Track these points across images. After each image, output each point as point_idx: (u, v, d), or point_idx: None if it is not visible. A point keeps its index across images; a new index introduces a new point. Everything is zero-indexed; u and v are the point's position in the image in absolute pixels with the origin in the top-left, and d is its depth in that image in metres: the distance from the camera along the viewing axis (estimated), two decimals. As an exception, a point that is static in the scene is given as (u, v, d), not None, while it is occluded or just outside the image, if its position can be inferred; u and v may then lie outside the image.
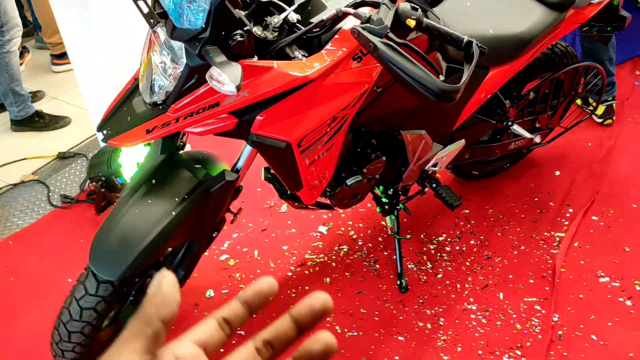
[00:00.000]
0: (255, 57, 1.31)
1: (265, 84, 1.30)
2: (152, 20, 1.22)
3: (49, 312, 1.63)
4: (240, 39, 1.23)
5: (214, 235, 1.66)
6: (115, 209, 1.48)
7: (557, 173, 2.56)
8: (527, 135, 2.13)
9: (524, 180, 2.54)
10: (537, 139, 2.29)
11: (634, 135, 2.76)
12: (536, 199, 2.43)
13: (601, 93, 2.47)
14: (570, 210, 2.37)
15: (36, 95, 3.29)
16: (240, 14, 1.24)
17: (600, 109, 2.76)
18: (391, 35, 1.26)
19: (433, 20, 1.56)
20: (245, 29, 1.24)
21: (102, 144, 2.59)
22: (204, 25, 1.18)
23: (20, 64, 3.58)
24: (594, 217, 2.32)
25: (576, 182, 2.51)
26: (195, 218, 1.52)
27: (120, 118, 1.40)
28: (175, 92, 1.30)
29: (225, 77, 1.12)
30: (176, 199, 1.46)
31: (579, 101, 2.90)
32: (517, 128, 2.09)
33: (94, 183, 2.36)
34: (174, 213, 1.44)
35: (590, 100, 2.77)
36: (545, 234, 2.26)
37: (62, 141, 2.95)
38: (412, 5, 1.32)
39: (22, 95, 2.95)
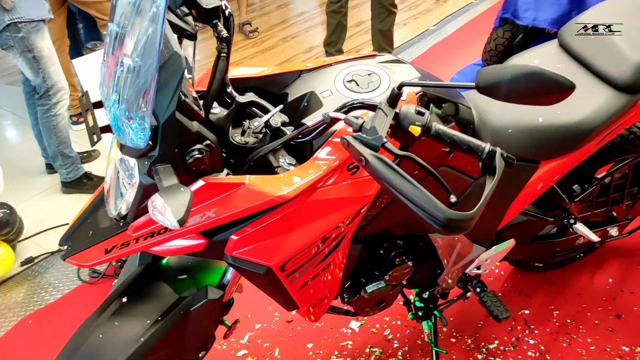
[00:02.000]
0: (224, 171, 1.11)
1: (234, 202, 1.08)
2: (94, 136, 1.05)
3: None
4: (198, 155, 1.03)
5: (200, 355, 1.45)
6: (82, 327, 1.31)
7: (644, 267, 2.14)
8: (594, 238, 1.77)
9: (600, 275, 2.14)
10: (613, 232, 1.91)
11: None
12: (615, 300, 2.03)
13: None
14: (658, 317, 1.95)
15: (91, 155, 3.30)
16: (198, 125, 1.04)
17: None
18: (389, 145, 1.01)
19: (463, 113, 1.30)
20: (205, 143, 1.04)
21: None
22: (149, 144, 0.99)
23: (82, 122, 3.63)
24: (688, 330, 1.89)
25: (667, 280, 2.08)
26: (174, 340, 1.32)
27: (82, 232, 1.24)
28: (133, 209, 1.12)
29: (168, 211, 0.92)
30: (147, 321, 1.27)
31: None
32: (581, 228, 1.73)
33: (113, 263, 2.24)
34: (142, 339, 1.24)
35: None
36: (624, 348, 1.86)
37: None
38: (418, 108, 1.06)
39: (71, 157, 2.95)
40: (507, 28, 2.75)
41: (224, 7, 1.17)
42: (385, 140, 1.01)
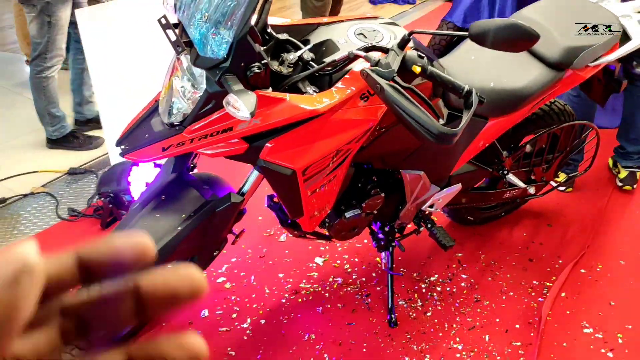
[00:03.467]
0: (270, 89, 1.41)
1: (276, 114, 1.39)
2: (178, 48, 1.33)
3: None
4: (257, 70, 1.34)
5: (215, 253, 1.73)
6: (125, 219, 1.56)
7: (550, 225, 2.64)
8: (521, 185, 2.22)
9: (517, 230, 2.62)
10: (532, 190, 2.37)
11: (626, 198, 2.85)
12: (528, 248, 2.51)
13: (594, 153, 2.57)
14: (560, 261, 2.43)
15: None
16: (260, 48, 1.35)
17: (562, 177, 2.80)
18: (397, 79, 1.37)
19: (438, 69, 1.68)
20: (262, 62, 1.35)
21: (113, 162, 2.69)
22: (225, 56, 1.28)
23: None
24: (582, 270, 2.38)
25: (568, 235, 2.59)
26: (199, 235, 1.60)
27: (138, 135, 1.50)
28: (193, 114, 1.40)
29: (241, 104, 1.22)
30: (182, 216, 1.54)
31: (610, 162, 3.01)
32: (512, 177, 2.18)
33: (102, 198, 2.44)
34: (179, 228, 1.52)
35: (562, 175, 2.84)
36: (534, 282, 2.33)
37: (74, 158, 3.05)
38: (419, 53, 1.43)
39: (58, 116, 3.09)
40: (450, 25, 3.23)
41: None
42: (395, 73, 1.37)
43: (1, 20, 4.97)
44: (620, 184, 2.91)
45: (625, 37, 2.00)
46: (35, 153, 3.11)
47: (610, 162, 3.07)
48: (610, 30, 1.95)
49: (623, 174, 2.91)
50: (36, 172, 2.93)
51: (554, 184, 2.58)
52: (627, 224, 2.68)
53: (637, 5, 2.09)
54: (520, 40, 1.31)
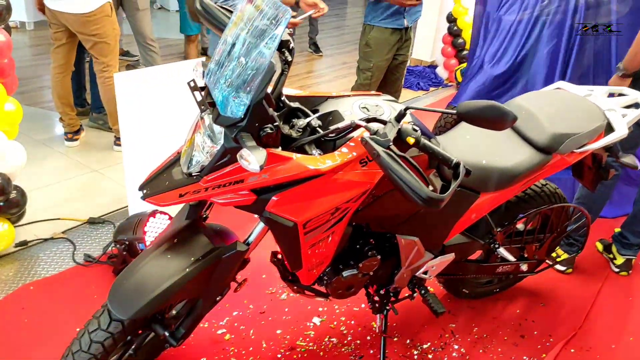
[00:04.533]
0: (279, 148, 1.60)
1: (283, 170, 1.56)
2: (203, 107, 1.53)
3: (53, 353, 1.80)
4: (269, 131, 1.52)
5: (217, 298, 1.86)
6: (139, 258, 1.71)
7: (543, 304, 2.72)
8: (512, 259, 2.34)
9: (511, 306, 2.70)
10: (524, 267, 2.49)
11: (621, 284, 2.94)
12: (520, 325, 2.58)
13: (584, 238, 2.69)
14: (551, 340, 2.50)
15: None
16: (273, 112, 1.54)
17: (563, 256, 2.95)
18: (393, 147, 1.54)
19: (434, 145, 1.85)
20: (274, 124, 1.54)
21: (132, 212, 2.86)
22: (242, 116, 1.48)
23: (76, 140, 4.02)
24: (572, 350, 2.44)
25: (560, 315, 2.66)
26: (205, 278, 1.73)
27: (159, 181, 1.68)
28: (210, 166, 1.58)
29: (252, 158, 1.40)
30: (192, 259, 1.69)
31: (600, 247, 3.13)
32: (503, 251, 2.31)
33: (117, 246, 2.60)
34: (187, 269, 1.66)
35: (560, 252, 2.98)
36: (525, 357, 2.39)
37: (95, 208, 3.24)
38: (414, 127, 1.61)
39: None
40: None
41: (290, 41, 1.71)
42: (391, 142, 1.54)
43: (42, 81, 5.36)
44: (616, 269, 3.01)
45: (609, 129, 2.18)
46: (59, 202, 3.31)
47: (599, 246, 3.17)
48: (595, 121, 2.13)
49: (620, 260, 3.01)
50: (58, 219, 3.11)
51: (550, 262, 2.70)
52: (621, 308, 2.75)
53: (622, 101, 2.28)
54: (499, 119, 1.49)
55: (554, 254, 2.96)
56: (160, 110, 2.72)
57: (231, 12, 1.64)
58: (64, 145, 4.06)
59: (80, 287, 2.60)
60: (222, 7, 1.69)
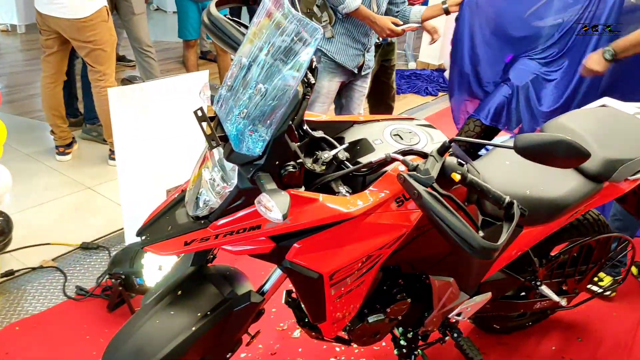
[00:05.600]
0: (302, 188, 1.35)
1: (308, 214, 1.32)
2: (213, 142, 1.28)
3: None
4: (292, 170, 1.28)
5: (227, 356, 1.62)
6: (138, 314, 1.47)
7: (580, 340, 2.49)
8: (555, 298, 2.10)
9: (545, 342, 2.46)
10: (563, 302, 2.25)
11: (661, 311, 2.71)
12: (557, 364, 2.35)
13: (629, 265, 2.46)
14: (593, 381, 2.27)
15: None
16: (296, 147, 1.30)
17: (607, 280, 2.73)
18: (436, 185, 1.30)
19: (474, 175, 1.61)
20: (298, 161, 1.30)
21: (128, 240, 2.62)
22: (261, 154, 1.23)
23: (68, 154, 3.76)
24: (617, 393, 2.21)
25: (600, 352, 2.43)
26: (215, 335, 1.49)
27: (161, 226, 1.43)
28: (221, 209, 1.33)
29: (274, 205, 1.15)
30: (198, 314, 1.44)
31: (635, 270, 2.91)
32: (544, 289, 2.07)
33: (112, 279, 2.35)
34: (193, 329, 1.42)
35: (602, 276, 2.75)
36: (566, 404, 2.16)
37: (88, 231, 2.99)
38: (459, 161, 1.37)
39: None
40: (478, 123, 3.21)
41: (313, 61, 1.46)
42: (434, 180, 1.30)
43: (33, 88, 5.08)
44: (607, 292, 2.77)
45: (664, 151, 1.94)
46: (49, 224, 3.05)
47: (635, 270, 2.94)
48: (650, 144, 1.90)
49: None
50: (48, 244, 2.86)
51: (598, 290, 2.47)
52: (663, 342, 2.52)
53: (676, 118, 2.05)
54: (569, 157, 1.25)
55: (595, 278, 2.73)
56: (159, 127, 2.48)
57: (246, 26, 1.39)
58: (55, 160, 3.79)
59: (72, 325, 2.34)
60: (234, 20, 1.44)
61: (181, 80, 2.44)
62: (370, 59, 3.10)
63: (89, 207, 3.28)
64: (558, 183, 1.83)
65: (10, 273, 2.62)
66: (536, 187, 1.79)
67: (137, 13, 4.11)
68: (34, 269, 2.68)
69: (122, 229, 2.91)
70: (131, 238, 2.62)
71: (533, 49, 3.17)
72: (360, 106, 3.27)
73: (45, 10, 3.34)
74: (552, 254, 2.14)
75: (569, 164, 1.28)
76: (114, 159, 3.67)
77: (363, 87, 3.22)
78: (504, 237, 1.28)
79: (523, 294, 2.20)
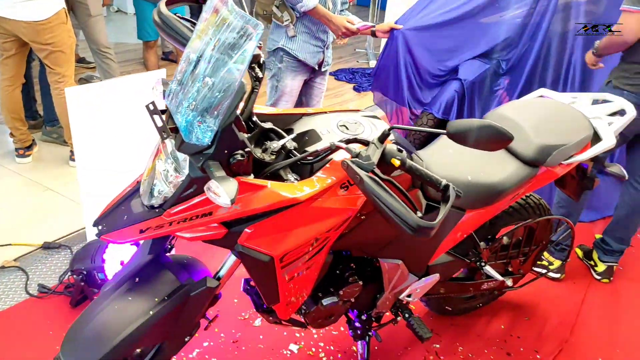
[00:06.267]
0: (252, 176, 1.43)
1: (257, 200, 1.40)
2: (164, 134, 1.35)
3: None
4: (240, 158, 1.36)
5: (186, 339, 1.68)
6: (96, 301, 1.53)
7: (528, 319, 2.63)
8: (499, 277, 2.23)
9: (495, 322, 2.60)
10: (509, 282, 2.38)
11: (603, 291, 2.87)
12: (506, 342, 2.48)
13: (570, 247, 2.61)
14: (538, 356, 2.40)
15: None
16: (244, 137, 1.38)
17: (556, 263, 2.91)
18: (377, 170, 1.39)
19: (416, 163, 1.71)
20: (246, 150, 1.38)
21: (90, 238, 2.65)
22: (209, 143, 1.31)
23: (28, 156, 3.75)
24: (560, 366, 2.35)
25: (546, 329, 2.57)
26: (172, 319, 1.56)
27: (117, 216, 1.49)
28: (174, 198, 1.40)
29: (222, 191, 1.23)
30: (156, 299, 1.51)
31: (579, 253, 3.07)
32: (489, 269, 2.19)
33: (74, 275, 2.39)
34: (151, 312, 1.48)
35: (546, 255, 2.92)
36: (513, 378, 2.28)
37: (50, 231, 3.01)
38: (398, 147, 1.47)
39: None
40: (430, 117, 3.34)
41: (261, 56, 1.54)
42: (375, 165, 1.40)
43: (-10, 92, 5.03)
44: (598, 277, 2.94)
45: (596, 138, 2.09)
46: (11, 225, 3.06)
47: (579, 252, 3.11)
48: (582, 131, 2.04)
49: (601, 267, 2.95)
50: (9, 244, 2.87)
51: (542, 271, 2.62)
52: (605, 316, 2.68)
53: (608, 109, 2.20)
54: (495, 140, 1.36)
55: (544, 262, 2.88)
56: (118, 126, 2.52)
57: (194, 23, 1.47)
58: (15, 162, 3.78)
59: (35, 321, 2.38)
60: (183, 19, 1.51)
61: (138, 78, 2.49)
62: (329, 55, 3.19)
63: (50, 208, 3.29)
64: (497, 169, 1.95)
65: (-29, 274, 2.63)
66: (476, 173, 1.91)
67: (94, 15, 4.12)
68: (-5, 268, 2.70)
69: (83, 228, 2.93)
70: (92, 236, 2.65)
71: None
72: (319, 103, 3.36)
73: (2, 13, 3.33)
74: (497, 237, 2.27)
75: (496, 146, 1.39)
76: (74, 159, 3.68)
77: (322, 84, 3.31)
78: (440, 217, 1.38)
79: (470, 275, 2.32)
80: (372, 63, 7.01)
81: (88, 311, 1.51)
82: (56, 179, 3.60)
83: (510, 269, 2.40)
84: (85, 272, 2.34)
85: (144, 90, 2.48)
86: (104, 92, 2.42)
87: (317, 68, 3.10)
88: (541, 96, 2.33)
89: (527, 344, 2.47)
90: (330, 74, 6.51)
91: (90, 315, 1.49)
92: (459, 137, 1.38)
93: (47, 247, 2.87)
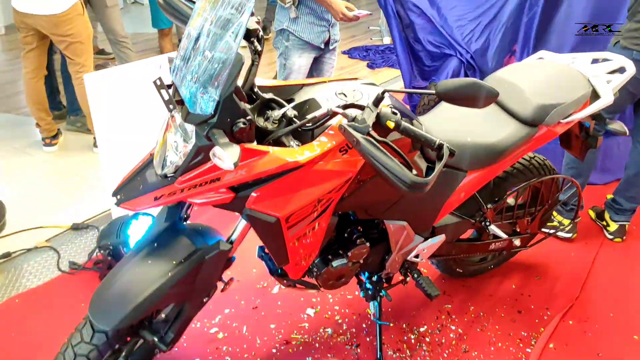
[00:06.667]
0: (255, 143, 1.53)
1: (260, 165, 1.50)
2: (170, 106, 1.46)
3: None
4: (242, 125, 1.46)
5: (204, 300, 1.80)
6: (118, 266, 1.65)
7: (539, 278, 2.69)
8: (504, 235, 2.30)
9: (506, 282, 2.67)
10: (517, 242, 2.45)
11: (616, 250, 2.91)
12: (516, 300, 2.55)
13: (578, 205, 2.66)
14: (549, 313, 2.47)
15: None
16: (245, 105, 1.47)
17: (567, 223, 2.95)
18: (372, 133, 1.48)
19: (416, 127, 1.79)
20: (247, 118, 1.47)
21: (114, 217, 2.80)
22: (213, 112, 1.41)
23: (55, 145, 3.92)
24: (570, 322, 2.42)
25: (556, 287, 2.64)
26: (189, 281, 1.67)
27: (133, 186, 1.61)
28: (184, 166, 1.51)
29: (225, 155, 1.33)
30: (173, 262, 1.63)
31: (592, 214, 3.12)
32: (494, 228, 2.26)
33: (102, 251, 2.53)
34: (169, 274, 1.60)
35: (556, 215, 2.97)
36: (523, 333, 2.36)
37: (78, 213, 3.17)
38: (393, 110, 1.55)
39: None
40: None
41: (259, 29, 1.64)
42: (370, 128, 1.48)
43: (14, 87, 5.25)
44: (610, 236, 2.99)
45: (595, 96, 2.13)
46: (41, 210, 3.23)
47: (592, 214, 3.15)
48: (580, 89, 2.08)
49: (613, 227, 2.99)
50: (41, 227, 3.04)
51: (551, 232, 2.68)
52: (616, 275, 2.72)
53: (607, 67, 2.23)
54: (480, 97, 1.43)
55: (555, 222, 2.93)
56: (136, 109, 2.64)
57: (194, 2, 1.56)
58: (43, 151, 3.97)
59: (67, 296, 2.53)
60: (190, 1, 1.61)
61: (153, 61, 2.61)
62: (336, 32, 3.26)
63: (77, 192, 3.46)
64: (496, 129, 2.01)
65: (7, 255, 2.80)
66: (476, 134, 1.98)
67: (110, 5, 4.26)
68: (29, 250, 2.86)
69: (109, 210, 3.09)
70: (117, 214, 2.80)
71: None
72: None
73: (22, 8, 3.48)
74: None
75: (482, 103, 1.46)
76: (97, 146, 3.84)
77: (332, 60, 3.38)
78: (434, 173, 1.46)
79: (478, 237, 2.40)
80: (386, 40, 7.03)
81: (112, 275, 1.63)
82: (81, 165, 3.77)
83: (517, 229, 2.46)
84: (111, 247, 2.49)
85: (154, 72, 2.60)
86: (121, 76, 2.55)
87: (323, 47, 3.17)
88: (541, 58, 2.37)
89: (537, 302, 2.54)
90: (344, 52, 6.57)
91: (114, 279, 1.62)
92: (447, 96, 1.46)
93: (75, 227, 3.03)
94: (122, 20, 4.44)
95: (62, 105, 4.51)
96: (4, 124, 4.39)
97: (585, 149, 2.36)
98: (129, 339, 1.84)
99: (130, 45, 4.44)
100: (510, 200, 2.38)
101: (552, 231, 2.75)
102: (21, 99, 4.96)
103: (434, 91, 1.49)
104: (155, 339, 1.78)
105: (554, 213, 2.95)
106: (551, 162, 2.43)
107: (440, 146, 1.51)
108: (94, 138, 3.91)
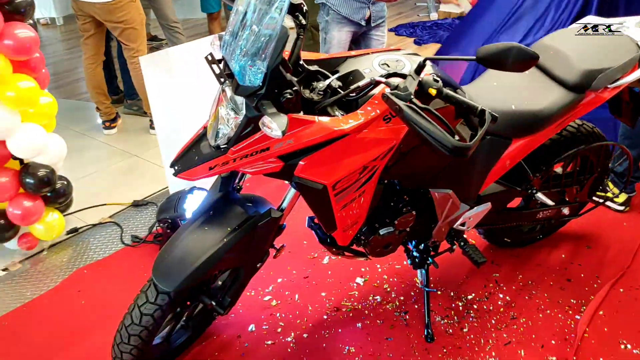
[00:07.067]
0: (302, 113, 1.60)
1: (307, 134, 1.57)
2: (221, 79, 1.55)
3: (111, 331, 1.89)
4: (289, 96, 1.53)
5: (258, 265, 1.91)
6: (177, 233, 1.77)
7: (589, 247, 2.68)
8: (550, 203, 2.30)
9: (555, 251, 2.67)
10: (566, 211, 2.44)
11: (670, 218, 2.86)
12: (566, 269, 2.55)
13: (628, 175, 2.61)
14: (599, 281, 2.47)
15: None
16: (291, 77, 1.55)
17: (622, 197, 2.89)
18: (415, 100, 1.52)
19: (459, 94, 1.82)
20: (294, 88, 1.55)
21: (172, 192, 2.94)
22: (261, 84, 1.49)
23: (114, 127, 4.13)
24: (621, 290, 2.41)
25: (607, 256, 2.62)
26: (243, 247, 1.78)
27: (189, 157, 1.71)
28: (235, 137, 1.60)
29: (274, 124, 1.41)
30: (228, 229, 1.73)
31: None
32: (541, 196, 2.27)
33: (161, 225, 2.68)
34: (224, 240, 1.70)
35: (611, 186, 2.91)
36: (572, 300, 2.37)
37: (138, 191, 3.35)
38: (435, 77, 1.59)
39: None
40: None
41: (303, 4, 1.70)
42: (412, 95, 1.53)
43: (76, 74, 5.51)
44: (620, 207, 2.92)
45: (644, 60, 2.10)
46: (103, 189, 3.43)
47: None
48: (627, 53, 2.05)
49: (622, 197, 2.92)
50: (104, 204, 3.23)
51: (601, 201, 2.66)
52: (670, 245, 2.68)
53: (658, 30, 2.18)
54: (519, 60, 1.45)
55: (609, 194, 2.89)
56: (189, 88, 2.76)
57: None
58: (103, 134, 4.18)
59: (130, 266, 2.70)
60: None
61: (204, 41, 2.71)
62: (380, 9, 3.28)
63: (136, 172, 3.64)
64: (541, 96, 2.01)
65: (74, 230, 2.99)
66: (520, 101, 1.99)
67: None
68: (94, 225, 3.05)
69: (166, 187, 3.25)
70: (174, 190, 2.95)
71: None
72: None
73: (79, -3, 3.67)
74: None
75: (522, 66, 1.48)
76: (154, 128, 4.01)
77: (381, 37, 3.41)
78: (476, 138, 1.50)
79: (525, 206, 2.41)
80: (433, 16, 6.95)
81: (172, 241, 1.75)
82: (139, 146, 3.95)
83: (566, 198, 2.45)
84: (170, 221, 2.63)
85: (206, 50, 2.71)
86: (174, 57, 2.67)
87: (363, 23, 3.20)
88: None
89: (587, 270, 2.54)
90: (390, 29, 6.54)
91: (174, 244, 1.74)
92: (488, 61, 1.48)
93: (136, 204, 3.20)
94: (173, 6, 4.59)
95: (120, 90, 4.72)
96: (65, 109, 4.60)
97: (635, 115, 2.32)
98: (189, 302, 1.97)
99: (181, 30, 4.58)
100: (559, 169, 2.38)
101: (602, 200, 2.72)
102: (81, 85, 5.22)
103: (474, 57, 1.51)
104: (214, 303, 1.90)
105: (610, 184, 2.91)
106: (600, 130, 2.40)
107: (482, 112, 1.54)
108: (150, 120, 4.09)
